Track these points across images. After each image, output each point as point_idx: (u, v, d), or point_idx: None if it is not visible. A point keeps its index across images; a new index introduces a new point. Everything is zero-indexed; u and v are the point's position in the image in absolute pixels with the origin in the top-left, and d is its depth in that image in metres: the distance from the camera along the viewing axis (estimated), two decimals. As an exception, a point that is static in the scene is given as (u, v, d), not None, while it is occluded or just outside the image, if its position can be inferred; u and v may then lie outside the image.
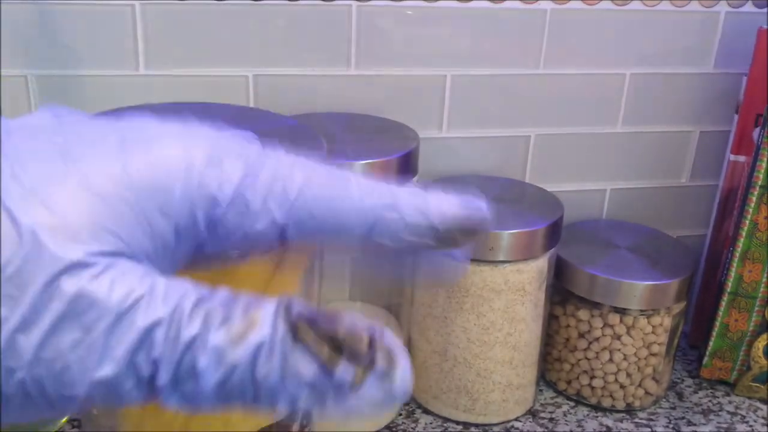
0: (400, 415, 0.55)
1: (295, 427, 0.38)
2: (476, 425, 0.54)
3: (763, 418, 0.56)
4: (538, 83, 0.59)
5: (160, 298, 0.16)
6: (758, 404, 0.58)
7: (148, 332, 0.15)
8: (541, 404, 0.57)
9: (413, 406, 0.56)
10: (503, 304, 0.50)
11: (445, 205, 0.21)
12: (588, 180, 0.64)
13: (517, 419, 0.55)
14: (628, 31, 0.59)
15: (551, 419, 0.55)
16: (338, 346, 0.16)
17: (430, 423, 0.54)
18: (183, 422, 0.32)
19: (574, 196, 0.63)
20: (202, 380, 0.16)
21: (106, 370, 0.15)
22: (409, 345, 0.55)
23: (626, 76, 0.61)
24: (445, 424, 0.54)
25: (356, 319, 0.16)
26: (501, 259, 0.49)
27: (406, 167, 0.47)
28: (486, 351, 0.52)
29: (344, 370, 0.16)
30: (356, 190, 0.20)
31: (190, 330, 0.16)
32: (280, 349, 0.16)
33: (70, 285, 0.15)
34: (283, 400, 0.16)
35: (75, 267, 0.15)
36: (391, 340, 0.16)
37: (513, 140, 0.61)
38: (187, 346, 0.16)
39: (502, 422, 0.55)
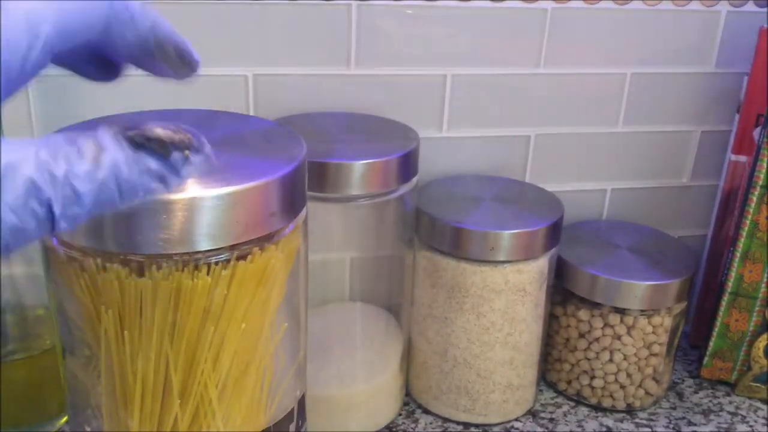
0: (401, 415, 0.55)
1: (292, 427, 0.38)
2: (476, 425, 0.54)
3: (763, 418, 0.56)
4: (538, 83, 0.59)
5: (30, 155, 0.20)
6: (759, 404, 0.58)
7: (31, 182, 0.20)
8: (542, 404, 0.57)
9: (413, 406, 0.56)
10: (503, 305, 0.50)
11: (163, 22, 0.28)
12: (588, 180, 0.64)
13: (517, 419, 0.55)
14: (629, 30, 0.59)
15: (551, 419, 0.55)
16: (164, 143, 0.22)
17: (430, 423, 0.54)
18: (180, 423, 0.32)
19: (575, 196, 0.63)
20: (83, 200, 0.21)
21: (12, 219, 0.20)
22: (409, 345, 0.55)
23: (627, 76, 0.61)
24: (445, 425, 0.54)
25: (166, 124, 0.23)
26: (501, 259, 0.49)
27: (406, 167, 0.47)
28: (486, 351, 0.52)
29: (175, 155, 0.22)
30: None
31: (60, 169, 0.20)
32: (129, 157, 0.22)
33: None
34: (142, 191, 0.22)
35: None
36: (192, 130, 0.23)
37: (513, 140, 0.61)
38: (63, 180, 0.20)
39: (503, 422, 0.55)
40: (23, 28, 0.22)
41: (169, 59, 0.29)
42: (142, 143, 0.22)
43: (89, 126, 0.35)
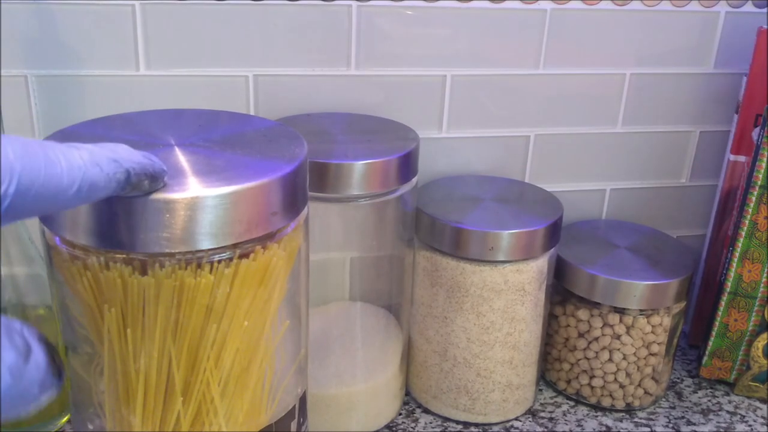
0: (400, 414, 0.55)
1: (294, 425, 0.39)
2: (476, 425, 0.54)
3: (762, 417, 0.57)
4: (537, 83, 0.59)
5: None
6: (758, 404, 0.58)
7: None
8: (541, 404, 0.57)
9: (413, 405, 0.56)
10: (503, 304, 0.50)
11: (132, 154, 0.26)
12: (588, 180, 0.64)
13: (516, 419, 0.55)
14: (628, 31, 0.59)
15: (551, 419, 0.55)
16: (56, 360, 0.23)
17: (430, 422, 0.54)
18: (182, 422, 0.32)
19: (574, 196, 0.63)
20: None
21: None
22: (409, 344, 0.55)
23: (626, 76, 0.61)
24: (444, 424, 0.54)
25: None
26: (501, 259, 0.49)
27: (406, 167, 0.47)
28: (486, 351, 0.52)
29: (61, 379, 0.23)
30: (62, 158, 0.23)
31: None
32: (50, 366, 0.22)
33: None
34: (45, 394, 0.22)
35: None
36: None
37: (513, 140, 0.61)
38: None
39: (502, 422, 0.55)
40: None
41: (142, 189, 0.27)
42: (51, 354, 0.23)
43: (90, 126, 0.35)
